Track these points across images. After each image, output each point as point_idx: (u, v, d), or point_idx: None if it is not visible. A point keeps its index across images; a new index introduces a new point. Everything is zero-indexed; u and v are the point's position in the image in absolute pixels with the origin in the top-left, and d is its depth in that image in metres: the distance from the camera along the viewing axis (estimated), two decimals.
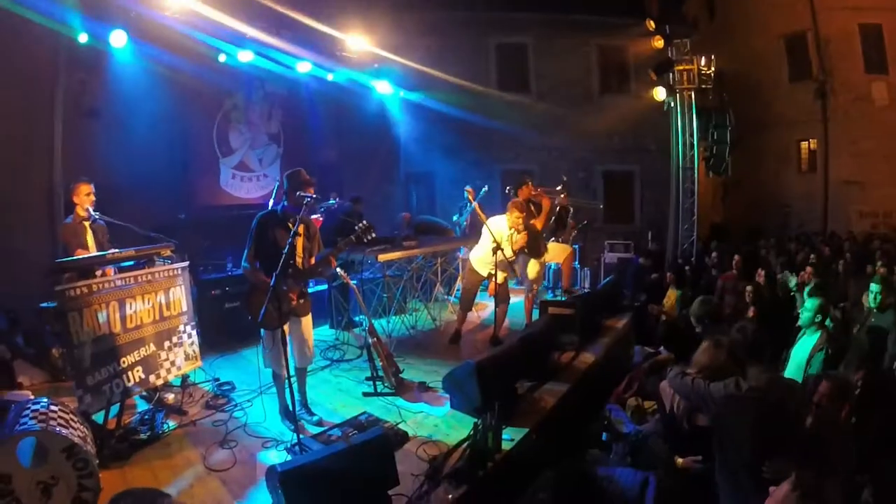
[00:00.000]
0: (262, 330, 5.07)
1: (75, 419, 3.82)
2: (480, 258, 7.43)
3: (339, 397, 5.91)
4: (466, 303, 7.77)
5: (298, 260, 4.97)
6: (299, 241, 5.01)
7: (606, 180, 13.53)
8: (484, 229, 7.29)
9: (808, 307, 5.54)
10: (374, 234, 5.24)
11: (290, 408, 4.72)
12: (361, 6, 11.78)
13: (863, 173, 17.08)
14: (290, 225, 4.94)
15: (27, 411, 3.62)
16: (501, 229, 7.27)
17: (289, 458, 4.24)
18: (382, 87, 12.07)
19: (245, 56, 9.23)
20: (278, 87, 10.42)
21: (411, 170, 13.62)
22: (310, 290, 8.49)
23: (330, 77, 11.09)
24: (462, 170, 9.02)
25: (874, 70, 17.55)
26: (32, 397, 4.09)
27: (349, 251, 7.90)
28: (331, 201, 9.46)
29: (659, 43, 12.56)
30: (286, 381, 4.67)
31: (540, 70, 14.89)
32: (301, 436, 4.55)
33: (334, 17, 10.70)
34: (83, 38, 7.45)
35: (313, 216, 9.02)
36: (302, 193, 4.92)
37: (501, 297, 7.57)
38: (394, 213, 10.66)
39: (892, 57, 17.43)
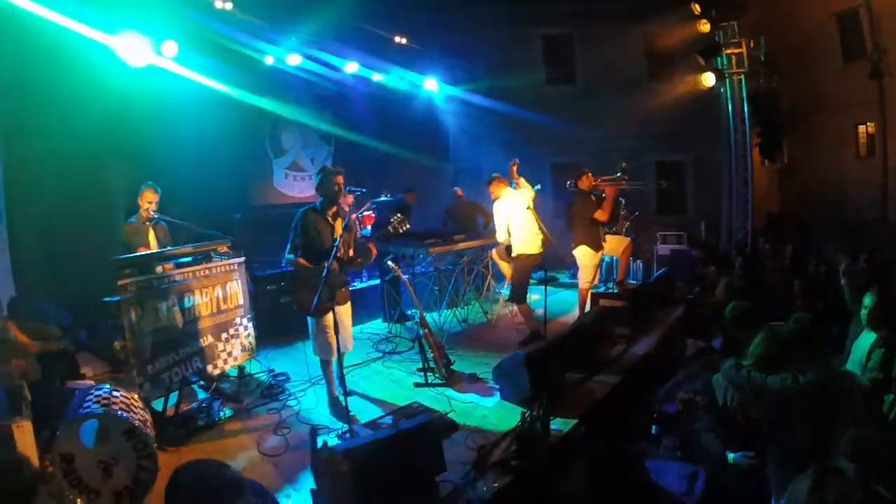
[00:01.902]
0: (308, 320, 5.30)
1: (136, 405, 4.00)
2: (526, 236, 7.35)
3: (391, 388, 6.03)
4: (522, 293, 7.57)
5: (339, 252, 5.10)
6: (337, 233, 5.21)
7: (658, 170, 13.29)
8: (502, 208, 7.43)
9: (866, 303, 5.33)
10: (408, 226, 5.40)
11: (339, 397, 4.88)
12: (407, 5, 11.93)
13: None
14: (329, 218, 5.26)
15: (91, 396, 3.81)
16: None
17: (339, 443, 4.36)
18: (429, 84, 12.13)
19: (293, 59, 9.42)
20: (327, 88, 10.60)
21: (460, 165, 13.65)
22: (362, 286, 8.73)
23: (377, 77, 11.22)
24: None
25: None
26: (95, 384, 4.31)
27: (400, 245, 8.13)
28: (382, 198, 9.59)
29: (705, 26, 12.21)
30: (333, 366, 4.86)
31: (586, 60, 14.71)
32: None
33: (381, 17, 10.87)
34: None
35: (365, 212, 9.20)
36: (352, 188, 5.18)
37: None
38: (444, 208, 10.72)
39: None
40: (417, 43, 11.72)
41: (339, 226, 5.30)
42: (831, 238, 11.14)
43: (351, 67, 10.40)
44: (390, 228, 5.28)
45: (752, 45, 12.38)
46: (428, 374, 6.07)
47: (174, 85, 8.40)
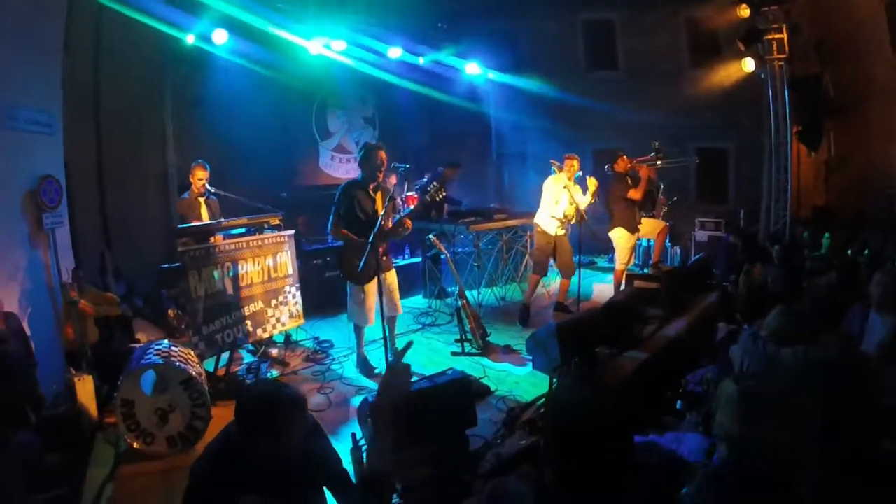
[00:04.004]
0: (347, 288, 5.75)
1: (193, 359, 4.29)
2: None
3: (430, 356, 6.37)
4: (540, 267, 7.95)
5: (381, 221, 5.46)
6: (380, 205, 5.58)
7: (700, 157, 13.22)
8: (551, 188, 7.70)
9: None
10: (444, 194, 5.82)
11: (367, 358, 5.66)
12: None
13: None
14: (371, 191, 5.65)
15: (151, 350, 4.10)
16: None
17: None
18: (472, 69, 12.30)
19: (339, 45, 9.65)
20: (371, 73, 10.85)
21: (503, 150, 13.78)
22: (404, 263, 9.02)
23: (421, 61, 11.41)
24: (554, 149, 9.08)
25: None
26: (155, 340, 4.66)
27: (442, 222, 8.53)
28: (424, 179, 9.85)
29: (745, 11, 12.06)
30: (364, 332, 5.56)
31: (628, 46, 14.61)
32: None
33: (424, 2, 11.07)
34: (190, 39, 8.12)
35: (408, 193, 9.48)
36: (397, 164, 5.58)
37: (568, 270, 7.90)
38: (487, 192, 10.89)
39: None
40: (460, 28, 11.92)
41: (380, 198, 5.64)
42: (880, 231, 11.00)
43: (395, 53, 10.61)
44: (427, 197, 5.58)
45: (794, 30, 12.11)
46: (465, 344, 6.40)
47: (226, 70, 8.80)
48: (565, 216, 7.60)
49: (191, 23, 7.90)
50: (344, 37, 9.65)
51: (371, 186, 5.67)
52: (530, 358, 5.82)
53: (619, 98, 13.22)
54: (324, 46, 9.52)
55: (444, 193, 5.78)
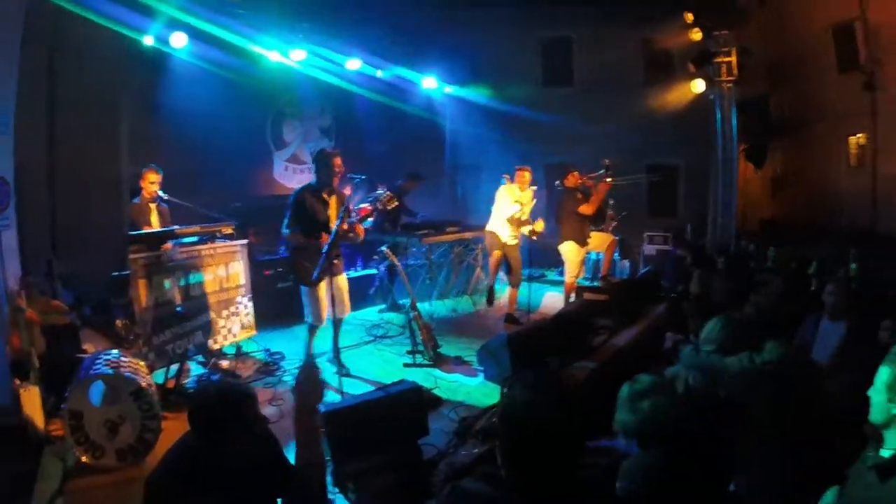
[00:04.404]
0: (302, 290, 5.84)
1: (142, 370, 4.23)
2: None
3: (382, 367, 6.39)
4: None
5: (332, 226, 5.56)
6: (333, 211, 5.69)
7: (651, 173, 13.58)
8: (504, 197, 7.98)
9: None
10: (396, 203, 6.06)
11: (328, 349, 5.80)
12: (410, 4, 12.22)
13: None
14: (325, 195, 5.74)
15: (100, 359, 4.03)
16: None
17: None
18: (428, 83, 12.46)
19: (297, 55, 9.68)
20: (330, 83, 10.89)
21: (458, 162, 13.97)
22: (356, 275, 9.01)
23: (379, 73, 11.51)
24: (508, 162, 9.26)
25: None
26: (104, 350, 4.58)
27: (396, 234, 8.64)
28: (378, 192, 9.87)
29: (697, 35, 12.51)
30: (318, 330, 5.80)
31: (584, 63, 14.99)
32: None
33: (383, 16, 11.17)
34: (148, 40, 8.05)
35: (361, 205, 9.50)
36: (352, 175, 5.74)
37: (516, 280, 8.16)
38: (441, 204, 10.98)
39: None
40: (418, 42, 12.04)
41: (334, 203, 5.76)
42: (823, 245, 11.41)
43: (353, 64, 10.68)
44: (378, 205, 5.69)
45: (741, 54, 12.60)
46: (416, 355, 6.45)
47: (184, 74, 8.73)
48: (519, 219, 7.86)
49: (149, 25, 7.87)
50: (303, 46, 9.68)
51: (325, 192, 5.76)
52: (482, 368, 5.93)
53: (573, 113, 13.53)
54: (282, 55, 9.54)
55: (395, 204, 5.90)
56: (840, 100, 18.06)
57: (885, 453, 2.35)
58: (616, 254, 10.75)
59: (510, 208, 7.86)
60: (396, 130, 12.25)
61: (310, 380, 2.51)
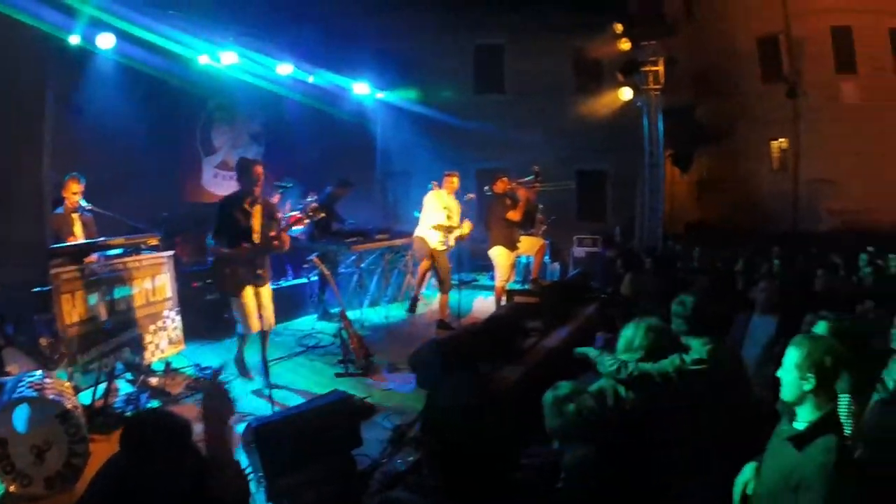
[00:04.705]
0: (231, 300, 5.79)
1: (68, 392, 4.12)
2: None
3: (314, 378, 6.34)
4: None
5: (256, 236, 5.62)
6: (256, 220, 5.66)
7: (580, 179, 13.98)
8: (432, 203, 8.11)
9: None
10: (322, 214, 6.16)
11: (244, 359, 5.79)
12: (343, 9, 12.19)
13: (833, 171, 17.61)
14: (247, 206, 5.67)
15: (23, 382, 3.91)
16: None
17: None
18: (360, 89, 12.41)
19: (228, 58, 9.47)
20: (260, 88, 10.74)
21: (389, 169, 14.03)
22: (287, 284, 8.98)
23: (311, 79, 11.36)
24: (439, 168, 9.37)
25: (844, 70, 18.17)
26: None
27: (325, 242, 8.61)
28: (308, 199, 9.80)
29: (626, 45, 12.95)
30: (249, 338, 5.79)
31: (516, 70, 15.34)
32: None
33: (315, 20, 11.10)
34: (74, 39, 7.77)
35: (291, 213, 9.40)
36: (279, 184, 5.69)
37: (446, 286, 8.28)
38: (372, 210, 10.96)
39: (862, 57, 18.06)
40: (350, 47, 12.02)
41: (257, 212, 5.70)
42: (748, 245, 11.95)
43: (285, 69, 10.52)
44: (303, 215, 5.71)
45: (667, 63, 13.08)
46: (349, 365, 6.45)
47: (107, 75, 8.46)
48: (448, 226, 7.99)
49: (75, 24, 7.51)
50: (233, 49, 9.47)
51: (248, 202, 5.70)
52: (414, 375, 5.92)
53: (505, 120, 13.85)
54: (212, 58, 9.33)
55: (321, 214, 5.92)
56: (763, 107, 19.21)
57: (799, 426, 2.60)
58: (546, 257, 10.99)
59: (438, 215, 7.96)
60: (327, 136, 12.22)
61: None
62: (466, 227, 8.14)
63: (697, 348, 4.14)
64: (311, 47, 11.16)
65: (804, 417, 2.61)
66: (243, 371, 6.00)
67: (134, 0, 7.98)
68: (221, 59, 9.44)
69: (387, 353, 7.01)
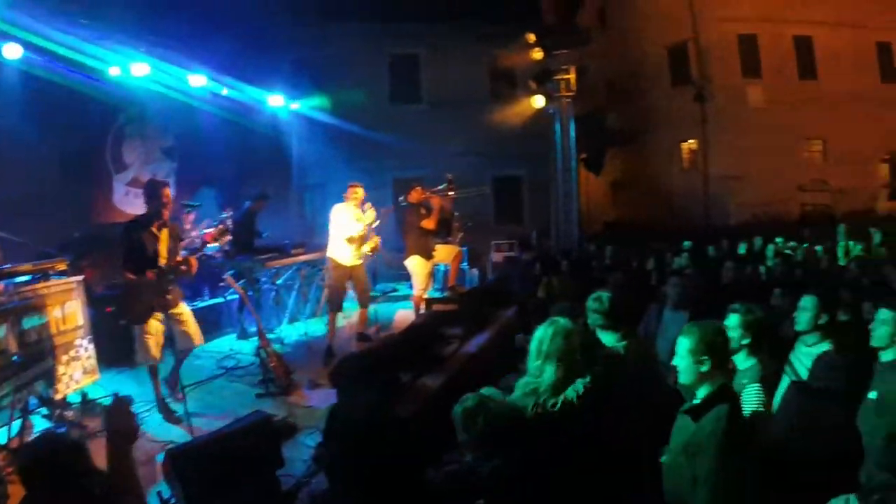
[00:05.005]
0: (134, 328, 5.65)
1: None
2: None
3: (235, 399, 6.29)
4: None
5: (162, 260, 5.54)
6: (163, 245, 5.57)
7: (497, 184, 14.31)
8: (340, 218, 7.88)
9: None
10: (229, 236, 6.28)
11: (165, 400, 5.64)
12: (258, 19, 12.06)
13: (740, 168, 18.89)
14: (155, 229, 5.58)
15: None
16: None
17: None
18: (275, 101, 12.32)
19: (140, 69, 9.20)
20: (173, 100, 10.43)
21: (306, 182, 13.97)
22: (203, 304, 8.74)
23: (225, 91, 11.22)
24: (356, 179, 9.42)
25: (750, 74, 19.68)
26: None
27: (241, 259, 8.50)
28: (224, 215, 9.66)
29: (539, 54, 13.32)
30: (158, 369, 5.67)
31: (432, 79, 15.59)
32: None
33: (230, 30, 10.94)
34: None
35: (206, 231, 9.19)
36: (187, 203, 5.69)
37: (365, 299, 8.23)
38: (289, 224, 10.84)
39: (766, 63, 19.60)
40: (265, 58, 11.91)
41: (164, 236, 5.62)
42: (661, 241, 12.52)
43: (198, 80, 10.30)
44: (210, 239, 5.69)
45: (581, 72, 13.53)
46: (269, 384, 6.41)
47: (10, 87, 8.08)
48: (361, 238, 7.89)
49: None
50: (145, 60, 9.22)
51: (156, 225, 5.60)
52: (336, 391, 5.97)
53: (421, 129, 14.03)
54: (123, 69, 9.06)
55: (227, 237, 5.86)
56: (673, 110, 20.45)
57: (696, 402, 2.91)
58: (465, 264, 11.19)
59: (349, 227, 7.83)
60: (242, 149, 12.06)
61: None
62: (373, 243, 8.09)
63: (612, 342, 4.37)
64: (225, 58, 10.99)
65: (701, 395, 2.91)
66: (173, 419, 5.71)
67: (42, 9, 7.72)
68: (133, 70, 9.16)
69: (307, 370, 7.01)
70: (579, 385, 3.51)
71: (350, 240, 7.83)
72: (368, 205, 8.10)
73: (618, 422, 3.52)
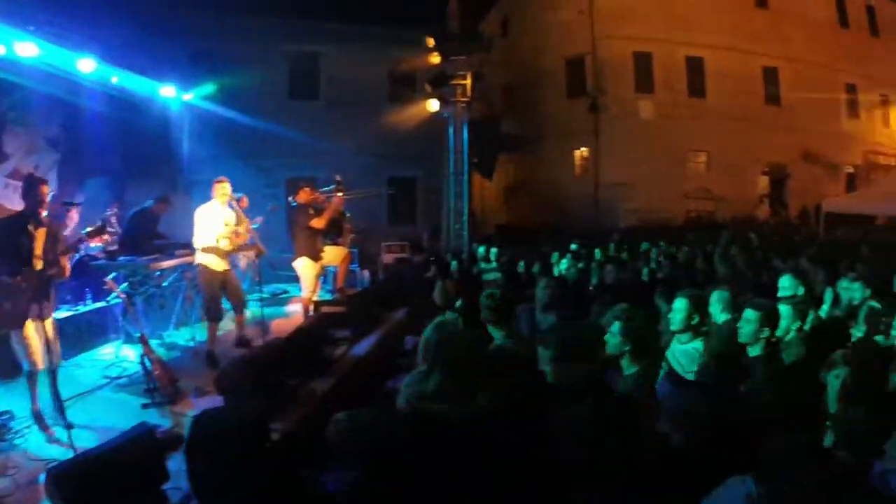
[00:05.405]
0: (11, 334, 5.43)
1: None
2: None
3: (120, 411, 6.08)
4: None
5: (38, 262, 5.30)
6: (39, 245, 5.33)
7: (392, 185, 14.55)
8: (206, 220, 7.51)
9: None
10: (107, 235, 6.07)
11: (41, 412, 5.35)
12: (157, 6, 11.69)
13: (629, 176, 20.35)
14: (31, 228, 5.34)
15: None
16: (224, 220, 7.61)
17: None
18: (168, 91, 11.91)
19: (26, 50, 8.63)
20: (60, 86, 9.81)
21: (195, 177, 13.57)
22: (86, 309, 8.43)
23: (115, 79, 10.71)
24: (249, 177, 9.38)
25: (643, 89, 21.38)
26: None
27: (123, 261, 8.13)
28: (108, 212, 9.41)
29: (437, 58, 13.66)
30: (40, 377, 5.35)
31: (331, 78, 15.64)
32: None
33: (124, 16, 10.57)
34: None
35: (87, 230, 8.84)
36: (67, 202, 5.47)
37: (240, 304, 8.07)
38: (176, 223, 10.52)
39: (659, 79, 21.32)
40: (160, 46, 11.64)
41: (41, 235, 5.37)
42: (551, 244, 13.13)
43: (87, 65, 9.74)
44: (86, 235, 5.65)
45: (477, 78, 13.93)
46: (154, 394, 6.24)
47: None
48: (231, 238, 7.58)
49: None
50: (32, 40, 8.68)
51: (31, 223, 5.36)
52: (222, 398, 6.00)
53: (318, 128, 14.07)
54: (7, 50, 8.51)
55: (106, 237, 5.64)
56: (568, 120, 21.79)
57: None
58: (355, 265, 11.30)
59: (208, 233, 7.47)
60: (130, 142, 11.62)
61: None
62: (251, 251, 7.91)
63: (500, 339, 4.61)
64: (118, 44, 10.53)
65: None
66: (43, 423, 5.54)
67: None
68: (18, 50, 8.60)
69: (194, 377, 6.83)
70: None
71: (207, 249, 7.45)
72: (244, 198, 8.05)
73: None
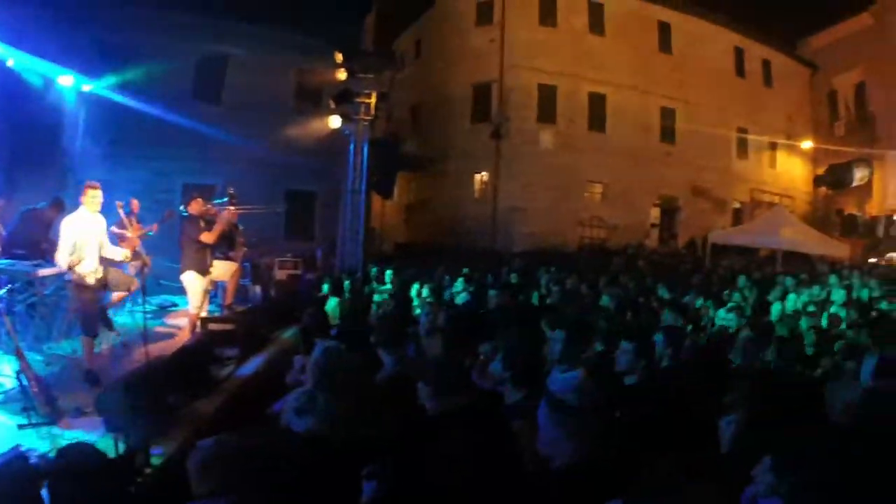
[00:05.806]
0: None
1: None
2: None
3: None
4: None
5: None
6: None
7: (291, 198, 14.44)
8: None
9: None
10: None
11: None
12: None
13: (527, 201, 21.28)
14: None
15: None
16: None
17: None
18: (65, 80, 11.27)
19: None
20: None
21: (87, 176, 12.93)
22: None
23: (11, 62, 9.99)
24: (143, 180, 8.99)
25: (545, 120, 22.54)
26: None
27: (3, 265, 7.63)
28: None
29: (343, 75, 13.67)
30: None
31: (237, 83, 15.35)
32: None
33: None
34: None
35: None
36: None
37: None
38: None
39: (562, 111, 22.66)
40: (64, 30, 11.08)
41: None
42: (449, 264, 13.38)
43: None
44: None
45: (381, 98, 14.05)
46: (31, 413, 5.84)
47: None
48: (98, 248, 7.06)
49: None
50: None
51: None
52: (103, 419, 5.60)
53: (219, 132, 13.77)
54: None
55: None
56: (471, 143, 22.58)
57: None
58: (247, 280, 11.09)
59: (88, 237, 6.92)
60: (17, 132, 10.92)
61: None
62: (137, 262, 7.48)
63: (390, 364, 4.59)
64: (16, 23, 9.84)
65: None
66: None
67: None
68: None
69: (75, 396, 6.44)
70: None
71: (90, 252, 6.92)
72: (134, 202, 7.73)
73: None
